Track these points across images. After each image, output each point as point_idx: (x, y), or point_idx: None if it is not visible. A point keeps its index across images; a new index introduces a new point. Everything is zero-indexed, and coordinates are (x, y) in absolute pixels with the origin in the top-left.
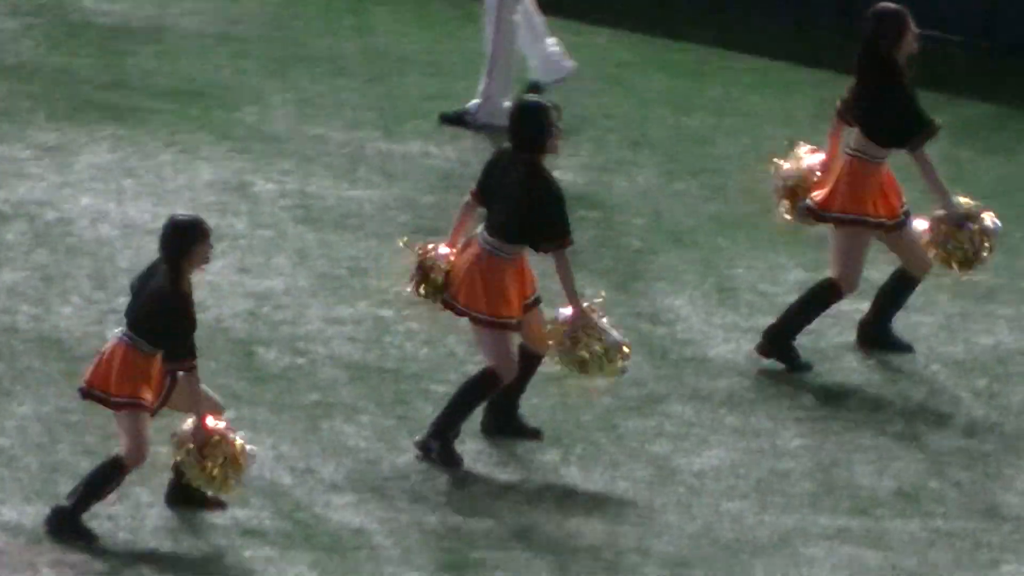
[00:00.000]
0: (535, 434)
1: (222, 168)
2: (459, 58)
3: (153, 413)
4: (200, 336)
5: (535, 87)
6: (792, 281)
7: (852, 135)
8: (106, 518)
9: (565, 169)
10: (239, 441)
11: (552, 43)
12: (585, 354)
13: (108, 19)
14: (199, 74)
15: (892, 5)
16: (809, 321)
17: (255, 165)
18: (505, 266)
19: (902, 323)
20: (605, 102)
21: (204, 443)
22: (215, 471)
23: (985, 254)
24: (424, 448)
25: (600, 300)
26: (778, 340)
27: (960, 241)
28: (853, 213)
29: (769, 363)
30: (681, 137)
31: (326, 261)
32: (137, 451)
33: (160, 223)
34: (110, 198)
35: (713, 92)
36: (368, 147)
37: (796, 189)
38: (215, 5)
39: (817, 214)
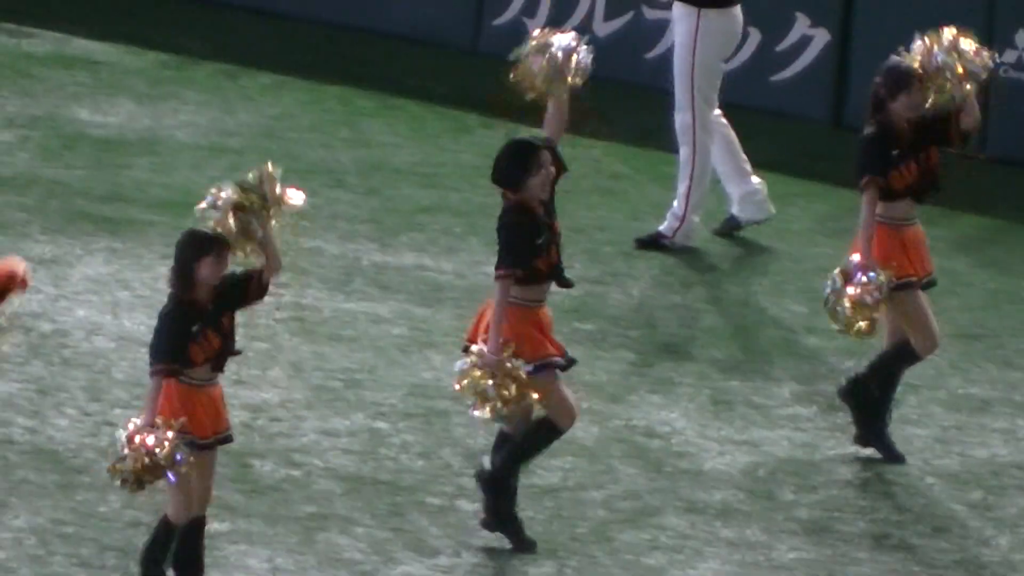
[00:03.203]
0: (530, 546)
1: None
2: (453, 170)
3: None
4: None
5: (734, 222)
6: (787, 394)
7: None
8: None
9: None
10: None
11: (757, 183)
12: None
13: (103, 131)
14: (194, 186)
15: (903, 63)
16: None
17: None
18: (515, 311)
19: (898, 435)
20: (599, 214)
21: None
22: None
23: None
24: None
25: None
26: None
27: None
28: None
29: (764, 475)
30: (675, 249)
31: (321, 373)
32: None
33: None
34: (105, 310)
35: (707, 204)
36: (363, 259)
37: None
38: (210, 117)
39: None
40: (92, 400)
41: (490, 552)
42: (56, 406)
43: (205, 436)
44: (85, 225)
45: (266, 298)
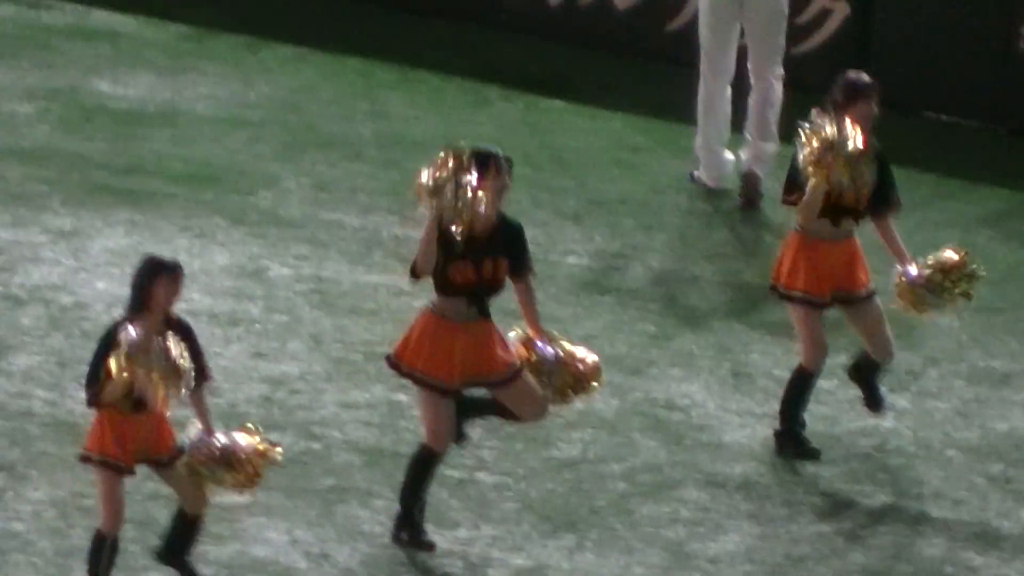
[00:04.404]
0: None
1: (237, 253)
2: (473, 142)
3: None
4: (215, 420)
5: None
6: None
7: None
8: None
9: (580, 254)
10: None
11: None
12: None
13: (123, 104)
14: (214, 158)
15: (860, 76)
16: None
17: (270, 250)
18: (431, 319)
19: (919, 408)
20: (620, 186)
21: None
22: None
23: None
24: (396, 540)
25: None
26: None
27: None
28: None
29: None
30: (696, 221)
31: (341, 346)
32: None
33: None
34: (125, 283)
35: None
36: (383, 231)
37: None
38: (230, 90)
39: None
40: None
41: (509, 525)
42: (76, 379)
43: (128, 462)
44: (105, 197)
45: (285, 271)
